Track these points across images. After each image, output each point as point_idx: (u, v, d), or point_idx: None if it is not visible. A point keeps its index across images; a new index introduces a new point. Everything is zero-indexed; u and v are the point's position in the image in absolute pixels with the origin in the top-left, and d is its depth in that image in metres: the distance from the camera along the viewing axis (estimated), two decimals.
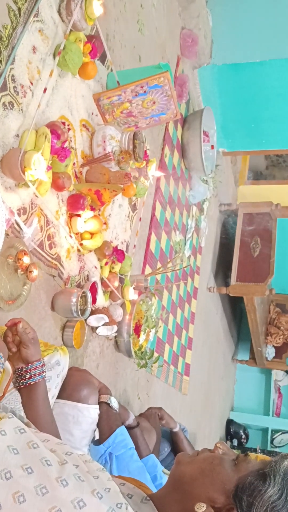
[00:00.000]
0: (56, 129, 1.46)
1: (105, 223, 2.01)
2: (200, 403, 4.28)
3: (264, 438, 6.21)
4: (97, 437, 1.51)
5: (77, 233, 1.72)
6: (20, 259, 1.34)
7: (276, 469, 0.79)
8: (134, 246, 2.32)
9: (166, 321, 3.09)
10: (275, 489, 0.77)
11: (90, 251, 1.84)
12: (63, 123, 1.63)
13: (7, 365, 1.13)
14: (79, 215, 1.69)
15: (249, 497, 0.77)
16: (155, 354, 2.76)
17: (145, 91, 1.87)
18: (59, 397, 1.41)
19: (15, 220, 1.39)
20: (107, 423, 1.50)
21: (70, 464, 0.77)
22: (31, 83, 1.45)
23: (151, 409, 2.17)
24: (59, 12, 1.58)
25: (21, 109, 1.40)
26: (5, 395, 1.13)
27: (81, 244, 1.74)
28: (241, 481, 0.80)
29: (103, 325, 1.93)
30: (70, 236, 1.68)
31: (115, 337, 2.17)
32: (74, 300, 1.62)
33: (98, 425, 1.49)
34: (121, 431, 1.51)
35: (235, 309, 5.84)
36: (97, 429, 1.51)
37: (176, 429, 2.29)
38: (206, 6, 3.36)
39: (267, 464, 0.81)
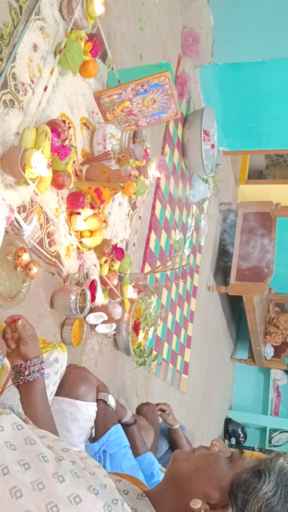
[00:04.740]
0: (56, 127, 1.46)
1: (104, 221, 2.02)
2: (198, 402, 4.29)
3: (262, 437, 6.23)
4: (94, 435, 1.52)
5: (76, 231, 1.72)
6: (20, 257, 1.34)
7: (271, 467, 0.80)
8: (134, 244, 2.33)
9: (165, 320, 3.10)
10: (270, 486, 0.77)
11: (90, 249, 1.85)
12: (64, 121, 1.64)
13: (6, 361, 1.14)
14: (79, 213, 1.70)
15: (244, 493, 0.78)
16: (154, 352, 2.77)
17: (145, 90, 1.88)
18: (57, 394, 1.42)
19: (15, 218, 1.39)
20: (102, 421, 1.51)
21: (67, 461, 0.77)
22: (32, 81, 1.45)
23: (149, 405, 2.17)
24: (60, 10, 1.58)
25: (22, 107, 1.41)
26: (4, 391, 1.13)
27: (80, 242, 1.74)
28: (236, 478, 0.81)
29: (102, 323, 1.94)
30: (70, 234, 1.69)
31: (114, 335, 2.18)
32: (73, 297, 1.63)
33: (94, 422, 1.50)
34: (116, 429, 1.52)
35: (234, 308, 5.85)
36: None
37: (175, 427, 2.30)
38: (208, 5, 3.35)
39: (262, 461, 0.82)
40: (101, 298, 1.99)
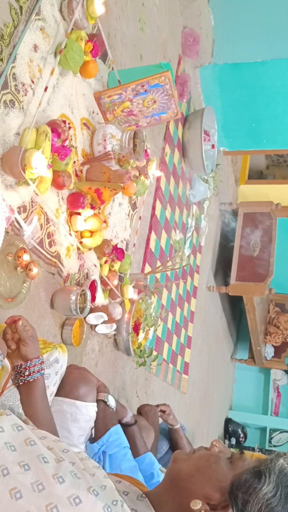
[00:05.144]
0: (56, 128, 1.46)
1: (105, 222, 2.02)
2: (198, 402, 4.29)
3: (262, 437, 6.22)
4: (94, 435, 1.52)
5: (77, 231, 1.72)
6: (20, 257, 1.34)
7: (271, 467, 0.80)
8: (134, 244, 2.33)
9: (165, 320, 3.10)
10: (270, 487, 0.77)
11: (90, 249, 1.85)
12: (64, 122, 1.64)
13: (6, 362, 1.14)
14: (79, 214, 1.70)
15: (244, 494, 0.78)
16: (154, 353, 2.77)
17: (146, 90, 1.88)
18: (57, 394, 1.42)
19: (15, 218, 1.39)
20: (102, 422, 1.51)
21: (67, 462, 0.77)
22: (32, 82, 1.45)
23: (148, 405, 2.17)
24: (60, 10, 1.58)
25: (22, 108, 1.41)
26: (4, 392, 1.13)
27: (80, 242, 1.74)
28: (236, 479, 0.81)
29: (102, 323, 1.94)
30: (70, 234, 1.69)
31: (114, 335, 2.18)
32: (73, 298, 1.63)
33: (94, 423, 1.50)
34: (116, 430, 1.51)
35: (235, 308, 5.85)
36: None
37: (176, 426, 2.30)
38: (208, 5, 3.35)
39: (262, 462, 0.82)
40: (101, 298, 1.99)
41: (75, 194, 1.68)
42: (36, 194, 1.45)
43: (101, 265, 1.95)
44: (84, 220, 1.72)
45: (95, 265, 1.90)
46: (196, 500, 0.81)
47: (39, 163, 1.32)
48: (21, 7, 1.38)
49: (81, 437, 1.46)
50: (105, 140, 1.82)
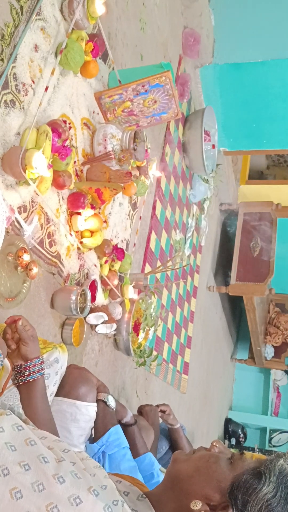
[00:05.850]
0: (57, 128, 1.46)
1: (105, 222, 2.02)
2: (198, 402, 4.29)
3: (262, 437, 6.22)
4: (93, 435, 1.52)
5: (77, 231, 1.72)
6: (20, 257, 1.34)
7: (272, 468, 0.80)
8: (134, 244, 2.33)
9: (166, 320, 3.10)
10: (270, 488, 0.77)
11: (90, 249, 1.85)
12: (64, 122, 1.64)
13: (6, 362, 1.14)
14: (79, 213, 1.70)
15: (244, 495, 0.78)
16: (154, 353, 2.77)
17: (146, 90, 1.88)
18: (57, 394, 1.42)
19: (16, 218, 1.39)
20: (102, 422, 1.51)
21: (67, 461, 0.78)
22: (33, 82, 1.45)
23: (149, 406, 2.17)
24: (61, 10, 1.58)
25: (23, 107, 1.41)
26: (4, 392, 1.13)
27: (81, 242, 1.74)
28: (236, 479, 0.81)
29: (102, 323, 1.94)
30: (70, 234, 1.69)
31: (114, 335, 2.18)
32: (73, 298, 1.63)
33: (94, 423, 1.50)
34: (116, 430, 1.51)
35: (235, 308, 5.84)
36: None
37: (176, 426, 2.30)
38: (209, 5, 3.35)
39: (262, 462, 0.82)
40: (101, 298, 1.99)
41: (76, 194, 1.68)
42: (37, 194, 1.45)
43: (101, 265, 1.95)
44: (85, 220, 1.72)
45: (95, 265, 1.90)
46: (196, 500, 0.81)
47: (40, 163, 1.32)
48: (21, 7, 1.38)
49: (81, 437, 1.46)
50: (105, 140, 1.82)
